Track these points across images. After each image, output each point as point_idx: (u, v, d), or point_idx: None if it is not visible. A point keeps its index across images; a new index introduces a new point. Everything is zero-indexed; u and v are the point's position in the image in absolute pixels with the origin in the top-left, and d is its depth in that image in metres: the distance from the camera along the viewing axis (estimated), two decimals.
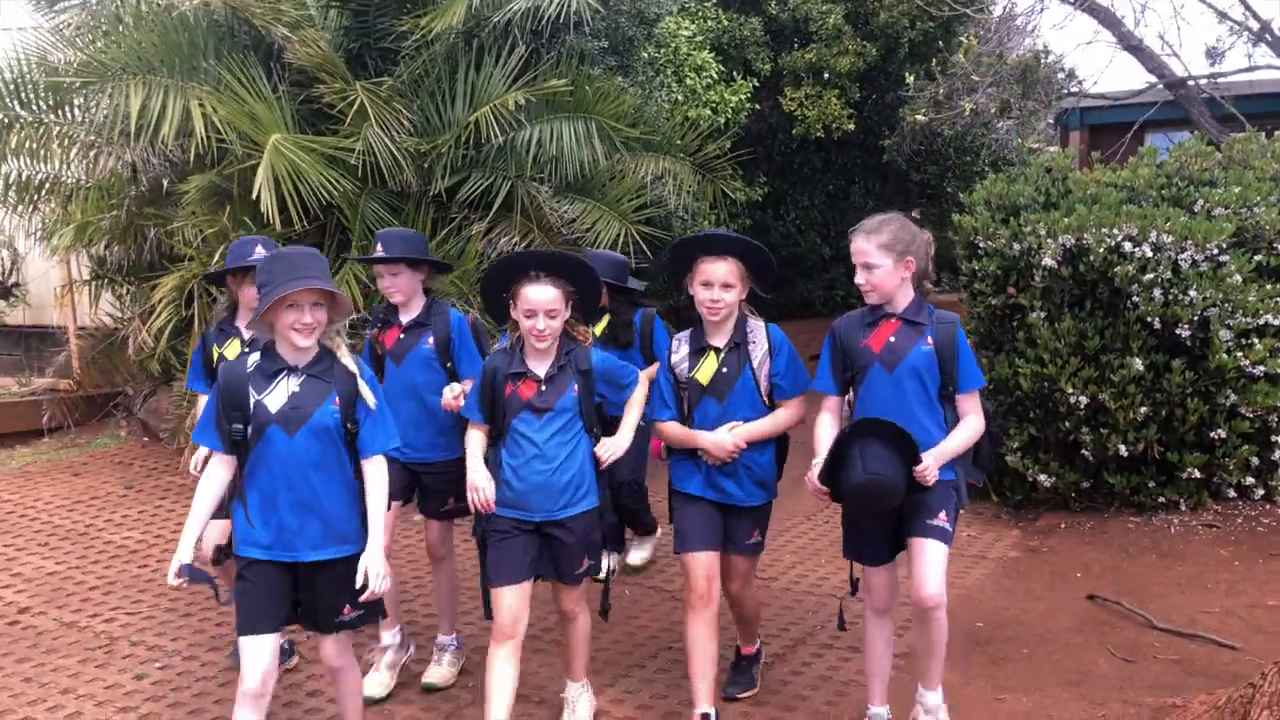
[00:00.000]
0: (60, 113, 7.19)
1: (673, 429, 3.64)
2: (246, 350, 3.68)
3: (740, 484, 3.60)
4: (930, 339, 3.27)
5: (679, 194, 7.90)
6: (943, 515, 3.31)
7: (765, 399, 3.58)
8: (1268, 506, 5.92)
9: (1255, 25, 9.14)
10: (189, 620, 4.85)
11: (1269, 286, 5.73)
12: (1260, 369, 5.62)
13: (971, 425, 3.35)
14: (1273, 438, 5.82)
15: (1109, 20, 8.94)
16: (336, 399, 3.02)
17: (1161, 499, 5.96)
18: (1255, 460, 5.82)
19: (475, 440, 3.49)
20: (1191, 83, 9.19)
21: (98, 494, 6.95)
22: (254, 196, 5.99)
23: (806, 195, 11.69)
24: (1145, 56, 9.12)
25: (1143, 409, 5.72)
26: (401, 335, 4.03)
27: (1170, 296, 5.67)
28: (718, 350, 3.55)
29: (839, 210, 12.22)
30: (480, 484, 3.40)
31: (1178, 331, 5.64)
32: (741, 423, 3.54)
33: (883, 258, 3.24)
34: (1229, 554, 5.37)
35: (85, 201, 7.50)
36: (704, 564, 3.58)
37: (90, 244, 7.57)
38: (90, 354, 8.09)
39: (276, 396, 2.99)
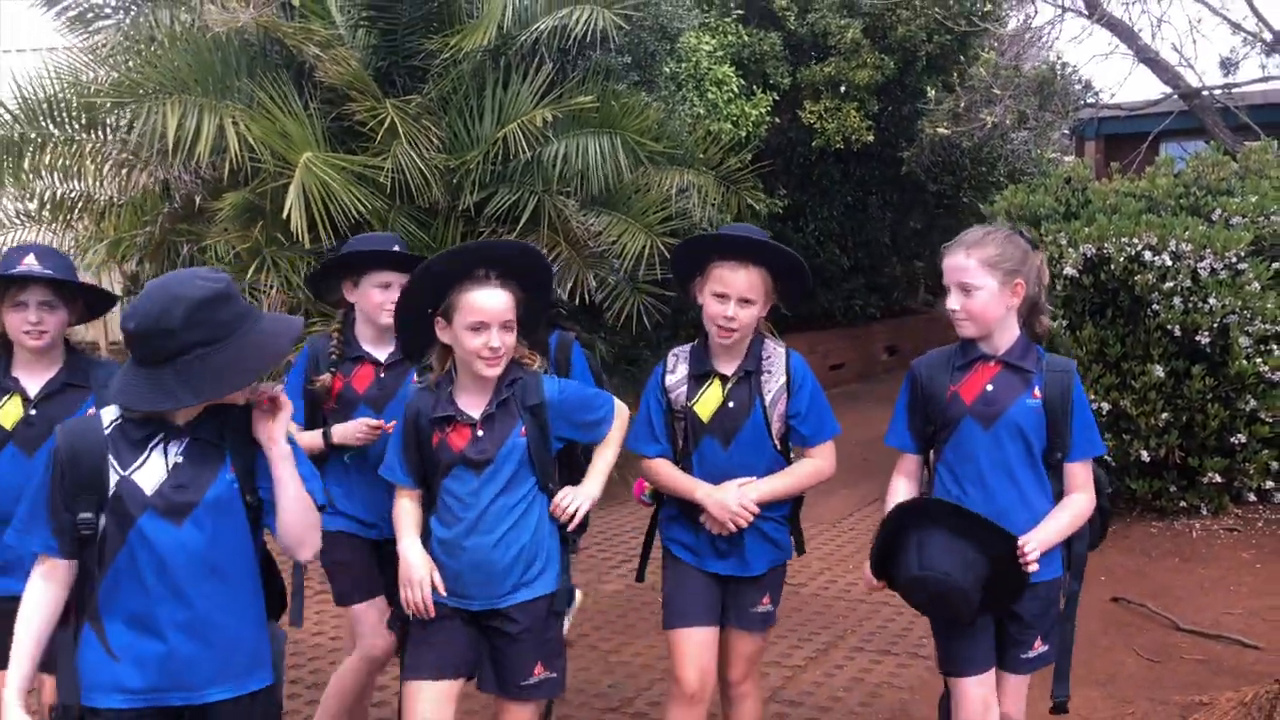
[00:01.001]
0: (93, 131, 7.34)
1: (664, 470, 2.89)
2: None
3: (748, 550, 2.87)
4: (1038, 390, 2.59)
5: (704, 206, 8.00)
6: (1038, 644, 2.68)
7: (776, 443, 2.85)
8: None
9: (1268, 36, 9.22)
10: None
11: None
12: (1279, 375, 5.69)
13: (1078, 504, 2.63)
14: None
15: (1125, 33, 9.03)
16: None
17: (1183, 503, 6.03)
18: (1275, 464, 5.89)
19: (406, 513, 2.67)
20: (1206, 93, 9.27)
21: None
22: (284, 214, 6.12)
23: (825, 207, 11.80)
24: (1160, 68, 9.21)
25: (1164, 415, 5.80)
26: (382, 375, 3.18)
27: (1190, 304, 5.75)
28: (724, 379, 2.84)
29: (857, 221, 12.33)
30: (416, 576, 2.57)
31: (1198, 338, 5.72)
32: (754, 478, 2.82)
33: (985, 278, 2.57)
34: (1251, 557, 5.43)
35: (118, 218, 7.63)
36: (696, 646, 2.84)
37: (123, 260, 7.71)
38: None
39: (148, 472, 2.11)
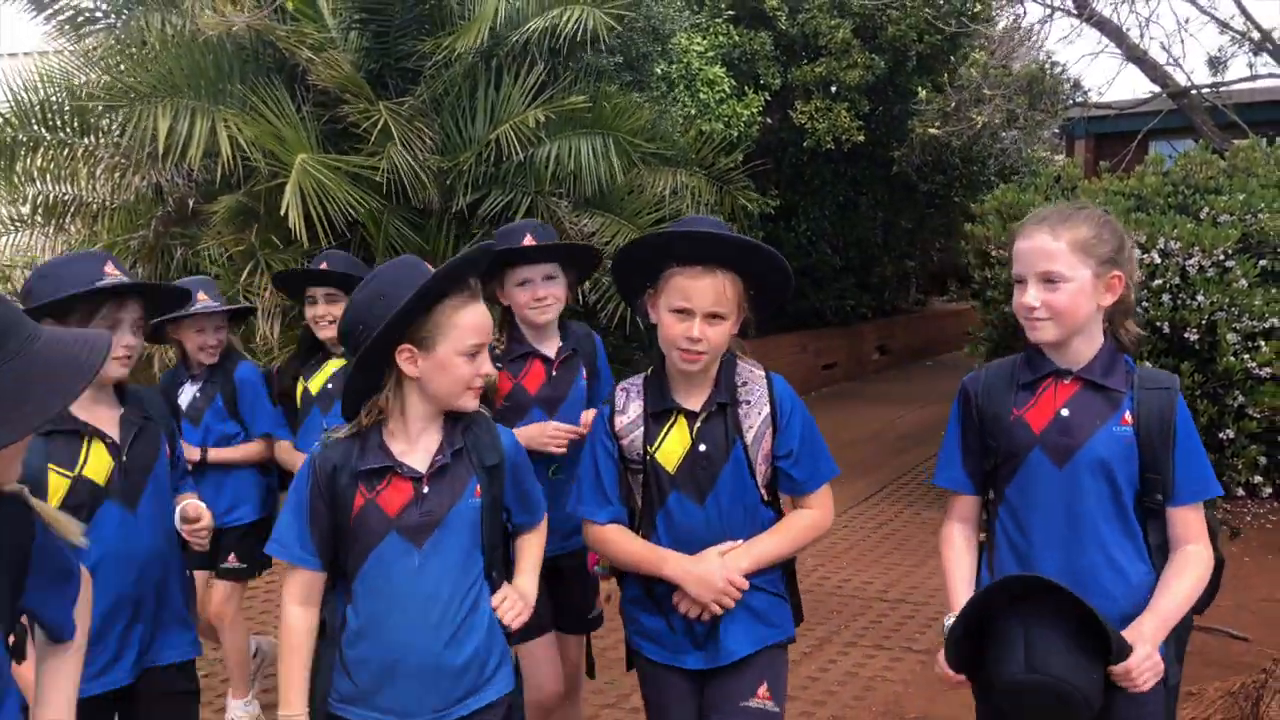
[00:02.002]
0: (85, 134, 7.36)
1: (620, 541, 2.28)
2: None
3: (732, 633, 2.25)
4: (1129, 415, 2.04)
5: (696, 207, 8.04)
6: None
7: (763, 492, 2.27)
8: (1276, 504, 6.04)
9: (1256, 35, 9.29)
10: None
11: (1274, 290, 5.86)
12: (1267, 371, 5.75)
13: (1195, 567, 2.03)
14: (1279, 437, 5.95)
15: (1114, 33, 9.10)
16: None
17: None
18: (1263, 459, 5.95)
19: (298, 623, 2.02)
20: (1194, 92, 9.34)
21: None
22: (282, 214, 6.14)
23: (817, 206, 11.86)
24: (1149, 67, 9.28)
25: None
26: (554, 373, 2.96)
27: (1178, 301, 5.81)
28: (690, 416, 2.23)
29: (849, 221, 12.38)
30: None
31: (1186, 335, 5.78)
32: (738, 541, 2.23)
33: (1078, 266, 2.00)
34: (1239, 550, 5.49)
35: (111, 222, 7.65)
36: None
37: None
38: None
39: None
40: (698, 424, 2.26)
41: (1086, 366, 2.06)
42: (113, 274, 2.28)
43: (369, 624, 2.00)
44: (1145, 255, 5.80)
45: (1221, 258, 5.80)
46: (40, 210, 7.77)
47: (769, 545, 2.26)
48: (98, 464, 2.28)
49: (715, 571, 2.18)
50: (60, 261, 2.38)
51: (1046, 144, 14.30)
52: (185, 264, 7.38)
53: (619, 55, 8.13)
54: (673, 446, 2.26)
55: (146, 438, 2.38)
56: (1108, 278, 2.02)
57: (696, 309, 2.16)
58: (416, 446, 2.03)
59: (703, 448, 2.24)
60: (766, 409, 2.27)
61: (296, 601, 2.03)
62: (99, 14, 7.75)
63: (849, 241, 12.51)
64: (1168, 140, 11.28)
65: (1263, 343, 5.78)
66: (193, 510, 2.46)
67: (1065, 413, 2.06)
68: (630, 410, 2.33)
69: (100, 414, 2.32)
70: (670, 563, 2.23)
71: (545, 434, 2.77)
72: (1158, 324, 5.79)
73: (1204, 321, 5.77)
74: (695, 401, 2.27)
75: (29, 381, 1.26)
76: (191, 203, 7.49)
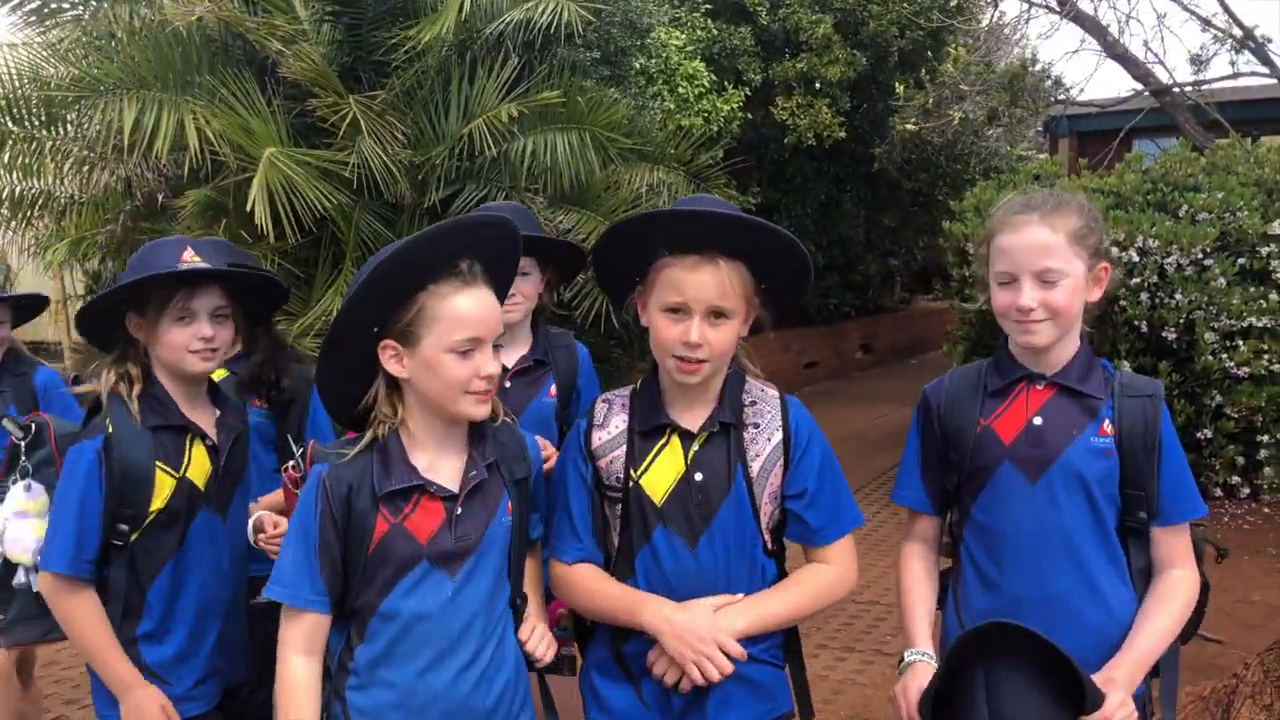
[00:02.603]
0: (53, 128, 7.23)
1: (590, 582, 1.91)
2: None
3: (726, 711, 1.87)
4: (1109, 424, 1.86)
5: (674, 203, 7.95)
6: None
7: (767, 538, 1.89)
8: (1253, 505, 6.00)
9: (1238, 33, 9.26)
10: None
11: (1252, 289, 5.82)
12: (1245, 370, 5.70)
13: (1178, 596, 1.87)
14: (1257, 437, 5.91)
15: (1095, 29, 9.05)
16: None
17: None
18: (1241, 460, 5.90)
19: (305, 676, 1.72)
20: (1176, 90, 9.30)
21: None
22: (249, 209, 6.04)
23: (799, 204, 11.79)
24: (1131, 64, 9.23)
25: None
26: (508, 385, 2.56)
27: (1157, 300, 5.76)
28: (686, 436, 1.88)
29: (831, 219, 12.32)
30: None
31: (1164, 334, 5.73)
32: (738, 596, 1.84)
33: (1073, 260, 1.83)
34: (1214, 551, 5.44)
35: (79, 216, 7.53)
36: None
37: (85, 259, 7.61)
38: (86, 368, 8.10)
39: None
40: (694, 446, 1.86)
41: (1062, 370, 1.88)
42: (189, 259, 2.09)
43: (387, 666, 1.73)
44: (1123, 253, 5.75)
45: (1200, 256, 5.76)
46: (6, 204, 7.65)
47: (774, 605, 1.84)
48: (199, 466, 2.14)
49: (703, 625, 1.78)
50: (150, 246, 2.21)
51: (1030, 142, 14.28)
52: None
53: (596, 50, 8.04)
54: (662, 472, 1.87)
55: (242, 444, 2.25)
56: (1097, 270, 1.86)
57: (694, 306, 1.78)
58: (441, 459, 1.77)
59: (699, 476, 1.84)
60: (778, 436, 1.87)
61: (300, 651, 1.71)
62: (66, 4, 7.63)
63: (832, 240, 12.45)
64: (1151, 138, 11.26)
65: (1241, 342, 5.73)
66: (269, 520, 2.30)
67: (1038, 421, 1.87)
68: (611, 425, 1.93)
69: (198, 413, 2.17)
70: (649, 608, 1.82)
71: None
72: (1135, 323, 5.74)
73: (1182, 320, 5.72)
74: (693, 420, 1.88)
75: None
76: (161, 197, 7.36)
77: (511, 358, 2.55)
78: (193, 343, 2.08)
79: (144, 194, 7.41)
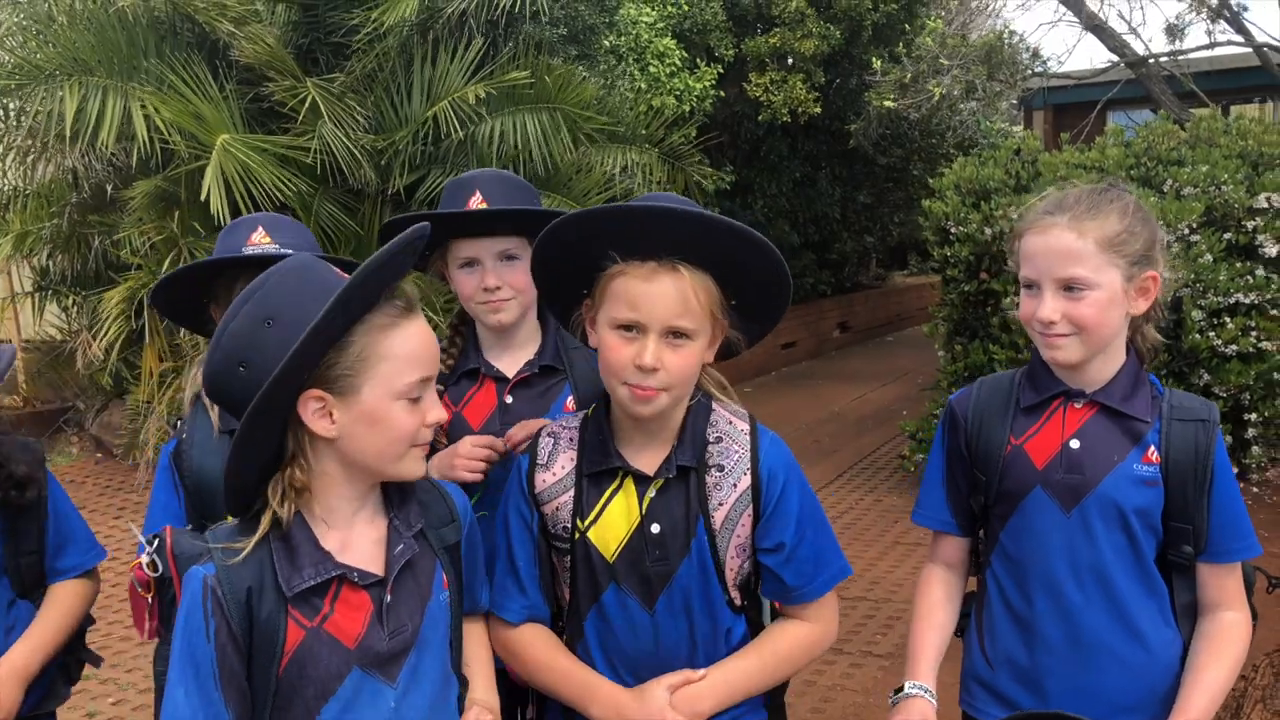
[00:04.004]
0: None
1: (537, 650, 1.68)
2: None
3: None
4: (1154, 450, 1.69)
5: (648, 185, 7.75)
6: None
7: (735, 595, 1.68)
8: (1243, 484, 5.90)
9: (1214, 2, 9.12)
10: (145, 650, 4.65)
11: (1239, 265, 5.68)
12: (1232, 348, 5.57)
13: (1233, 644, 1.68)
14: (1245, 416, 5.79)
15: (1072, 1, 8.88)
16: None
17: None
18: (1229, 439, 5.78)
19: None
20: (1152, 61, 9.17)
21: None
22: (203, 199, 5.78)
23: (774, 182, 11.59)
24: (1107, 35, 9.08)
25: None
26: (508, 400, 2.07)
27: None
28: (641, 480, 1.63)
29: (806, 197, 12.14)
30: None
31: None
32: (699, 672, 1.64)
33: (1106, 269, 1.63)
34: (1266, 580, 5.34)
35: (24, 210, 7.22)
36: None
37: (31, 254, 7.30)
38: (37, 368, 7.81)
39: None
40: (650, 493, 1.61)
41: (1104, 388, 1.69)
42: (257, 242, 1.89)
43: None
44: None
45: (1186, 232, 5.61)
46: None
47: (743, 674, 1.62)
48: None
49: (655, 708, 1.57)
50: (229, 227, 2.04)
51: (1005, 115, 14.13)
52: (104, 254, 6.98)
53: (563, 27, 7.79)
54: (614, 522, 1.62)
55: None
56: (1141, 279, 1.64)
57: (650, 323, 1.52)
58: (353, 535, 1.41)
59: (655, 528, 1.60)
60: (746, 481, 1.62)
61: None
62: None
63: (807, 218, 12.27)
64: (1125, 111, 11.15)
65: (1228, 319, 5.59)
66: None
67: (1074, 445, 1.69)
68: (557, 466, 1.66)
69: None
70: (600, 699, 1.60)
71: (456, 457, 1.92)
72: None
73: (1168, 298, 5.57)
74: (649, 461, 1.62)
75: None
76: (110, 189, 7.08)
77: (511, 366, 2.09)
78: None
79: (92, 185, 7.13)
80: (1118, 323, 1.67)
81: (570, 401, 2.06)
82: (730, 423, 1.66)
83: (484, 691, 1.62)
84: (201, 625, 1.32)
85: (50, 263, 7.38)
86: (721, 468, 1.63)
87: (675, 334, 1.54)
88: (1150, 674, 1.70)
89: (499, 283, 2.00)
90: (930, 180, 6.75)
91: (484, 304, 2.02)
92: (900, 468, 6.95)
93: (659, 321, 1.52)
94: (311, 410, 1.35)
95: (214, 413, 1.92)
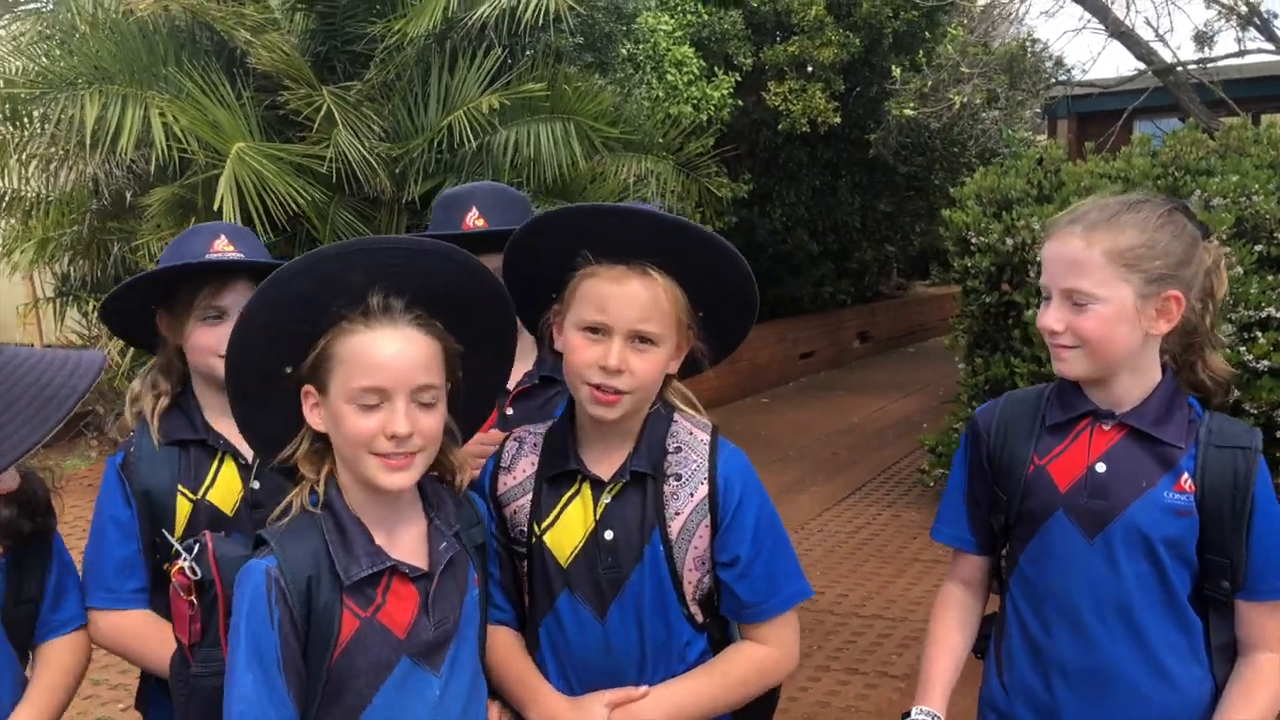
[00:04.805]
0: (16, 124, 6.95)
1: (495, 651, 1.66)
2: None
3: None
4: (1188, 479, 1.60)
5: (663, 194, 7.70)
6: None
7: (694, 610, 1.64)
8: None
9: (1244, 9, 8.98)
10: None
11: (1270, 278, 5.56)
12: (1264, 364, 5.44)
13: (1270, 684, 1.60)
14: (1278, 433, 5.66)
15: (1097, 7, 8.76)
16: None
17: None
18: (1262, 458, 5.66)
19: None
20: (1181, 69, 9.03)
21: (67, 518, 6.70)
22: (216, 207, 5.78)
23: (793, 191, 11.51)
24: (1134, 43, 8.95)
25: None
26: (509, 412, 2.10)
27: None
28: (597, 485, 1.62)
29: (826, 206, 12.05)
30: None
31: None
32: (644, 688, 1.61)
33: (1113, 283, 1.57)
34: None
35: (46, 217, 7.26)
36: None
37: (53, 260, 7.34)
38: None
39: None
40: (605, 499, 1.59)
41: (1135, 410, 1.61)
42: (220, 249, 1.86)
43: None
44: None
45: (1215, 243, 5.50)
46: None
47: (689, 695, 1.58)
48: (225, 488, 1.88)
49: None
50: (182, 235, 1.99)
51: (1028, 124, 13.99)
52: (123, 260, 6.99)
53: (580, 36, 7.76)
54: (570, 527, 1.60)
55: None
56: (1159, 298, 1.56)
57: (616, 325, 1.52)
58: (396, 531, 1.47)
59: (609, 535, 1.58)
60: (703, 490, 1.59)
61: None
62: None
63: (826, 226, 12.18)
64: (1152, 119, 10.98)
65: (1260, 334, 5.46)
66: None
67: (1100, 468, 1.61)
68: (519, 469, 1.67)
69: (227, 426, 1.85)
70: (539, 705, 1.59)
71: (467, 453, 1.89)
72: None
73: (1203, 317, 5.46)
74: (607, 466, 1.61)
75: None
76: (129, 196, 7.09)
77: (512, 378, 2.04)
78: (222, 346, 1.65)
79: (111, 192, 7.14)
80: (1128, 341, 1.59)
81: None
82: (691, 433, 1.65)
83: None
84: (266, 614, 1.37)
85: (71, 268, 7.41)
86: (679, 477, 1.61)
87: (641, 338, 1.54)
88: (1175, 712, 1.63)
89: None
90: (951, 190, 6.67)
91: None
92: (919, 482, 6.84)
93: (626, 324, 1.53)
94: (309, 404, 1.45)
95: (154, 426, 1.90)
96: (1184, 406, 1.65)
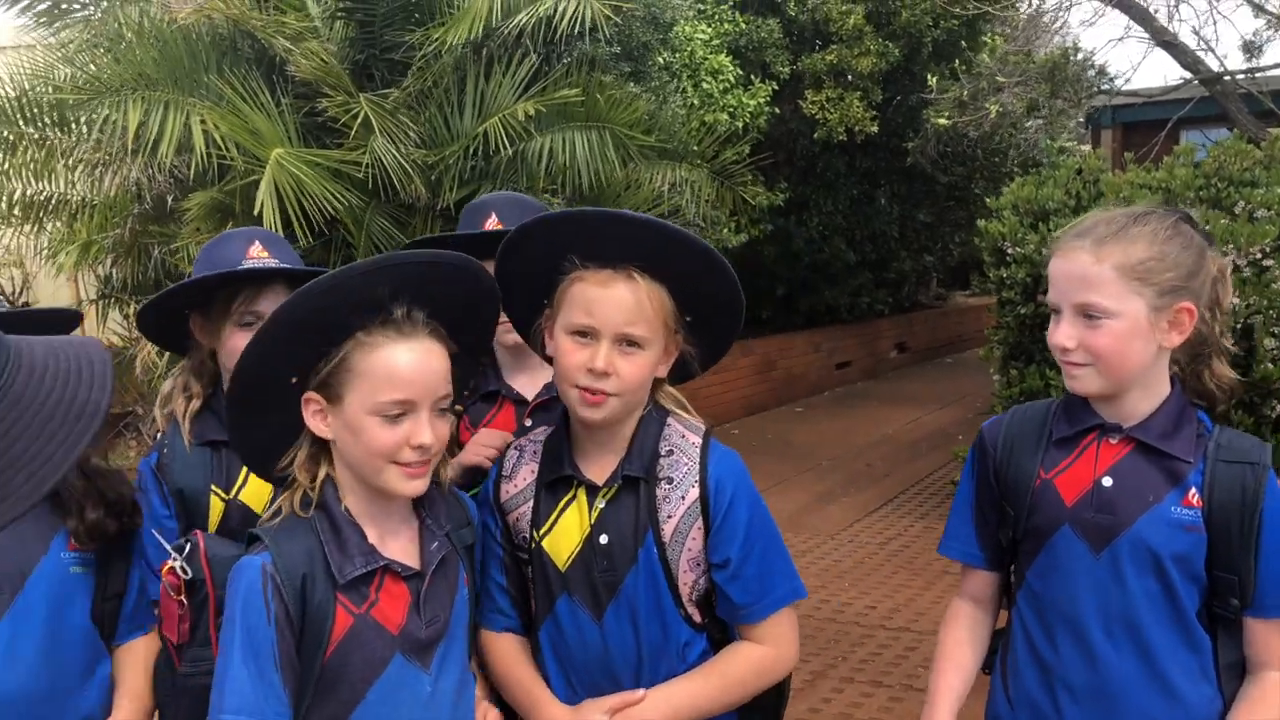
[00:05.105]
0: (63, 130, 7.10)
1: (505, 659, 1.71)
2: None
3: None
4: (1196, 493, 1.58)
5: (696, 202, 7.69)
6: None
7: (691, 611, 1.67)
8: None
9: None
10: None
11: None
12: None
13: (1269, 711, 1.58)
14: None
15: (1141, 16, 8.63)
16: None
17: None
18: None
19: None
20: (1228, 78, 8.86)
21: None
22: (255, 212, 5.86)
23: (830, 200, 11.45)
24: (1180, 52, 8.80)
25: None
26: (528, 423, 2.10)
27: None
28: (592, 490, 1.66)
29: (864, 215, 11.98)
30: None
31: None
32: (639, 692, 1.64)
33: (1127, 297, 1.55)
34: None
35: (90, 220, 7.41)
36: None
37: (95, 262, 7.49)
38: None
39: None
40: (599, 503, 1.63)
41: (1142, 424, 1.61)
42: (255, 256, 1.92)
43: None
44: None
45: (1258, 256, 5.37)
46: (18, 207, 7.53)
47: (686, 696, 1.60)
48: (258, 487, 1.87)
49: None
50: (215, 240, 2.06)
51: (1072, 134, 13.81)
52: (163, 263, 7.10)
53: (616, 45, 7.78)
54: (567, 531, 1.64)
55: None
56: (1172, 310, 1.55)
57: (603, 328, 1.57)
58: (388, 532, 1.51)
59: (604, 539, 1.61)
60: (694, 493, 1.62)
61: None
62: (76, 5, 7.51)
63: (864, 235, 12.10)
64: (1200, 129, 10.79)
65: None
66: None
67: (1107, 482, 1.60)
68: (520, 477, 1.70)
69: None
70: (542, 712, 1.63)
71: (473, 443, 2.01)
72: None
73: (1239, 326, 5.33)
74: (600, 471, 1.64)
75: (10, 447, 0.84)
76: (170, 200, 7.21)
77: (532, 387, 2.12)
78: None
79: (153, 197, 7.27)
80: (1142, 355, 1.58)
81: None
82: (683, 436, 1.68)
83: (482, 690, 1.69)
84: (262, 609, 1.39)
85: (113, 271, 7.55)
86: (671, 480, 1.64)
87: (628, 341, 1.59)
88: None
89: None
90: (987, 200, 6.60)
91: (499, 324, 2.00)
92: (952, 495, 6.76)
93: (612, 327, 1.57)
94: (311, 411, 1.47)
95: (186, 428, 1.94)
96: (1193, 420, 1.64)
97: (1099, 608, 1.61)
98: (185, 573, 1.54)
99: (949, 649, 1.80)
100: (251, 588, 1.40)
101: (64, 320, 2.28)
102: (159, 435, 2.05)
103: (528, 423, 2.07)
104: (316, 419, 1.47)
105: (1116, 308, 1.55)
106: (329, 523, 1.46)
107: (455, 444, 2.04)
